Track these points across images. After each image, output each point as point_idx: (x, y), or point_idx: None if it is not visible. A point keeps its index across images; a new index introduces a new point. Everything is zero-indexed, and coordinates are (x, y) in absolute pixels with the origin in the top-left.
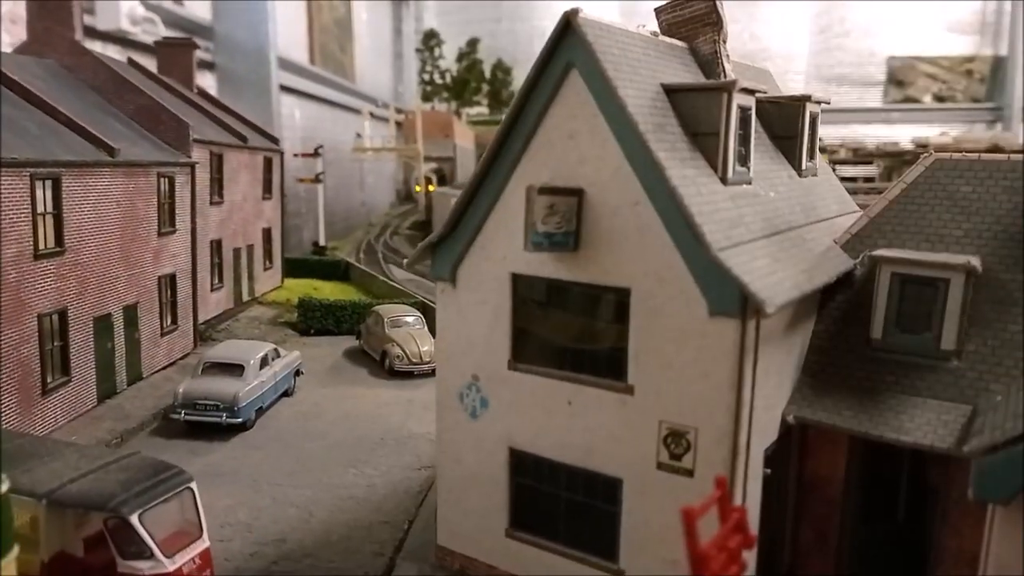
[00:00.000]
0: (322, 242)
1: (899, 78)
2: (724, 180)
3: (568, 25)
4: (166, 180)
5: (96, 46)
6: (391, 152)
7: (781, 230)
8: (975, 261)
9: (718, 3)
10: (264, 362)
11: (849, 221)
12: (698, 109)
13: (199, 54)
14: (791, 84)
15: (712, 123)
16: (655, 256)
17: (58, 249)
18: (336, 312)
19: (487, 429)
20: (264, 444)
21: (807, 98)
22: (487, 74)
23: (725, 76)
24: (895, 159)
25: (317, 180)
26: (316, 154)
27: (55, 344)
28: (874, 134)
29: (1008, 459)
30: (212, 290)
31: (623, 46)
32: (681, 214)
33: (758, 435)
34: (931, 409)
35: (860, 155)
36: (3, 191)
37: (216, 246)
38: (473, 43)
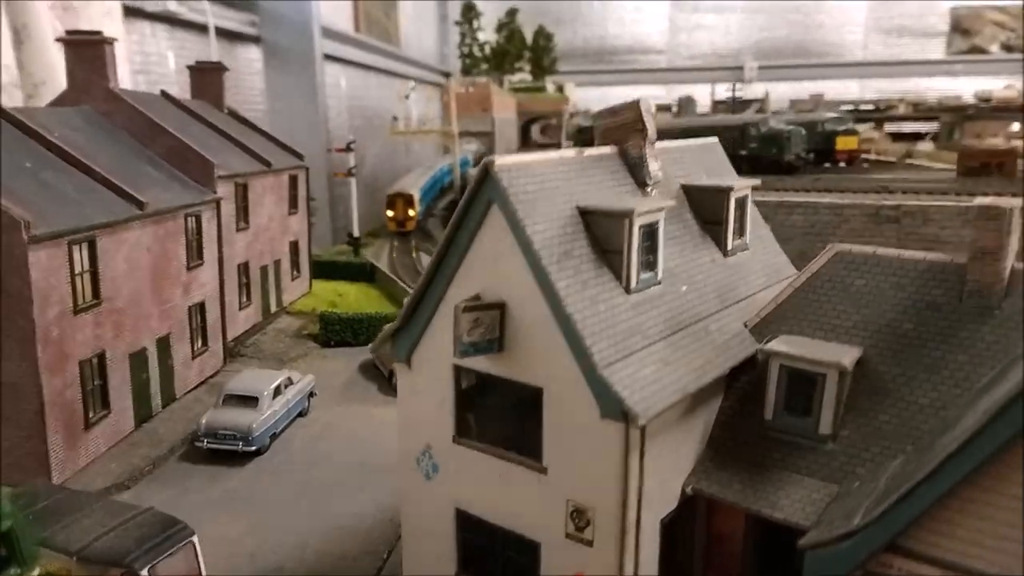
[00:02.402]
0: (356, 233)
1: (964, 27)
2: (628, 290)
3: (487, 171)
4: (193, 219)
5: (144, 27)
6: (427, 134)
7: (685, 325)
8: (848, 360)
9: (644, 112)
10: (278, 391)
11: (775, 291)
12: (605, 229)
13: (245, 28)
14: (848, 37)
15: (617, 242)
16: (560, 365)
17: (95, 301)
18: (354, 325)
19: (438, 490)
20: (276, 469)
21: (730, 188)
22: (528, 40)
23: (650, 177)
24: (957, 114)
25: (350, 174)
26: (348, 149)
27: (95, 383)
28: (936, 87)
29: (832, 554)
30: (240, 308)
31: (541, 179)
32: (576, 335)
33: (651, 510)
34: (805, 487)
35: (921, 110)
36: (44, 261)
37: (244, 268)
38: (512, 13)
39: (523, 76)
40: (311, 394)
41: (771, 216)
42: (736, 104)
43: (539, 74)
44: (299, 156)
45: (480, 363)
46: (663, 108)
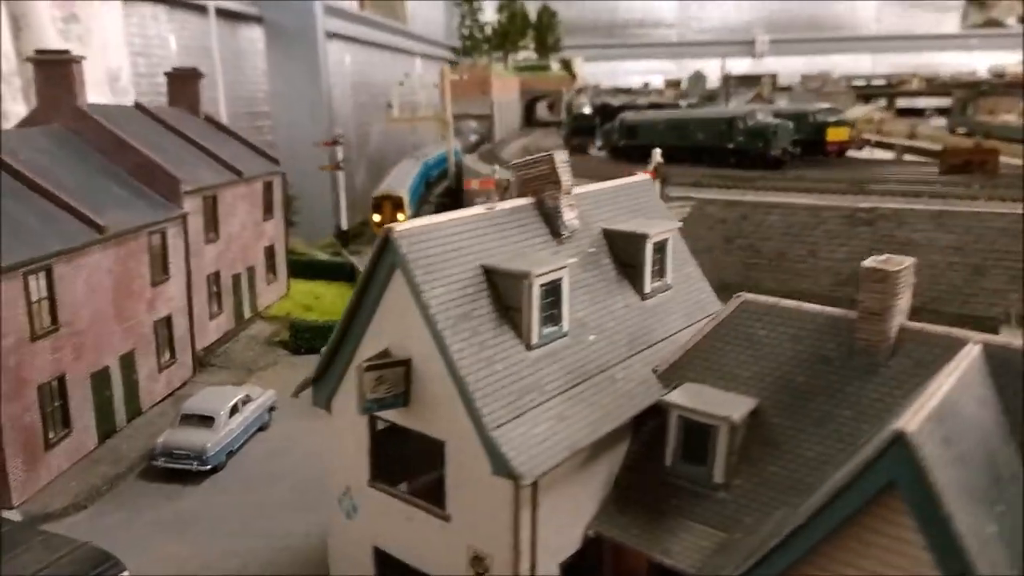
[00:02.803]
0: (344, 226)
1: None
2: (529, 347)
3: (387, 239)
4: (158, 235)
5: (144, 8)
6: (422, 121)
7: (589, 376)
8: (739, 414)
9: (558, 164)
10: (235, 410)
11: (693, 331)
12: (506, 287)
13: (246, 8)
14: (861, 13)
15: (517, 300)
16: (459, 421)
17: (53, 327)
18: (324, 333)
19: (358, 528)
20: (230, 487)
21: (646, 235)
22: (532, 17)
23: (564, 227)
24: (970, 90)
25: (338, 167)
26: (336, 143)
27: (55, 404)
28: (950, 62)
29: None
30: (211, 318)
31: (445, 241)
32: (468, 396)
33: (550, 555)
34: (696, 534)
35: (934, 86)
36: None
37: (214, 278)
38: None
39: (528, 54)
40: (271, 408)
41: (749, 216)
42: (732, 86)
43: (543, 52)
44: (275, 161)
45: (391, 413)
46: (672, 84)
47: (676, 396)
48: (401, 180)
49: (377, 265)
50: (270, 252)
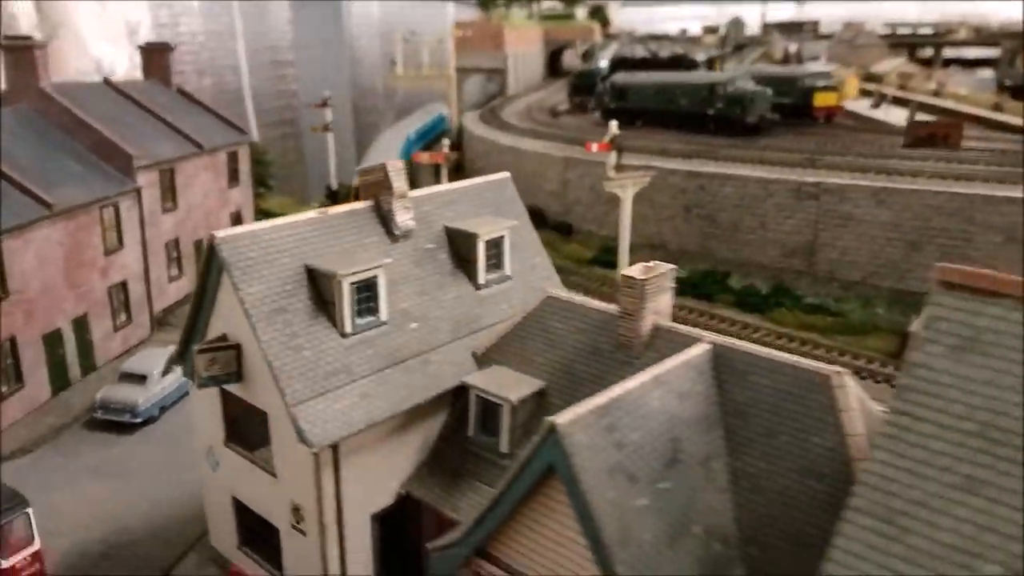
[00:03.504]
0: (334, 187)
1: None
2: (344, 335)
3: (212, 246)
4: (111, 208)
5: None
6: (425, 80)
7: (403, 360)
8: (517, 395)
9: (391, 172)
10: (168, 369)
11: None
12: (323, 285)
13: None
14: None
15: (331, 295)
16: (275, 397)
17: (3, 295)
18: None
19: (221, 480)
20: (159, 439)
21: (477, 234)
22: None
23: (397, 227)
24: (1020, 40)
25: (327, 129)
26: (325, 104)
27: (8, 362)
28: (1001, 10)
29: (442, 558)
30: (170, 281)
31: (267, 245)
32: (276, 378)
33: (358, 508)
34: (482, 494)
35: (982, 36)
36: None
37: (174, 244)
38: None
39: (553, 4)
40: None
41: (706, 187)
42: (737, 43)
43: (570, 0)
44: (242, 131)
45: (232, 386)
46: (710, 30)
47: (474, 378)
48: (390, 149)
49: (209, 266)
50: (236, 218)
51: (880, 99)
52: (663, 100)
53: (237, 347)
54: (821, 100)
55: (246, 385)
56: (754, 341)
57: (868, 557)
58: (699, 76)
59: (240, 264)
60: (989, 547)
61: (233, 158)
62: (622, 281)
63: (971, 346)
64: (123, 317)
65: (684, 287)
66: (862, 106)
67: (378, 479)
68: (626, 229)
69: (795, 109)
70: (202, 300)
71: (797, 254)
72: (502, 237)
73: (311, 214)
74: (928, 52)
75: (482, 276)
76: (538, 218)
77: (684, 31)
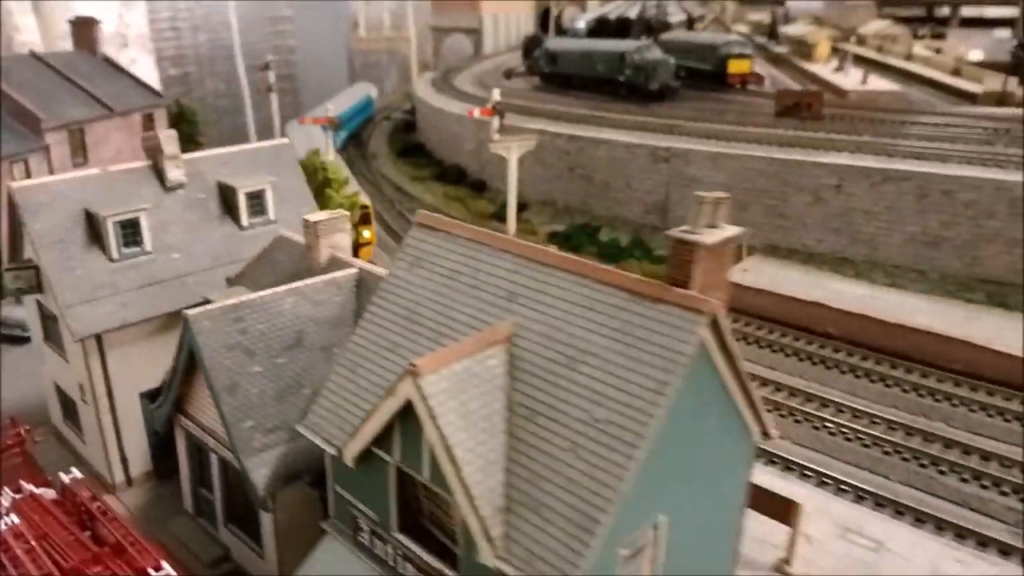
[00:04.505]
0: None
1: None
2: (111, 260)
3: (11, 195)
4: (21, 163)
5: None
6: (387, 41)
7: (162, 280)
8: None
9: (163, 138)
10: None
11: None
12: (96, 223)
13: None
14: None
15: (101, 231)
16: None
17: None
18: None
19: (47, 370)
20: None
21: (236, 188)
22: None
23: (169, 182)
24: None
25: (269, 90)
26: (266, 67)
27: None
28: None
29: (158, 414)
30: None
31: (54, 193)
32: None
33: (128, 387)
34: None
35: None
36: None
37: None
38: None
39: None
40: None
41: (585, 149)
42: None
43: None
44: (158, 94)
45: (43, 297)
46: None
47: (213, 295)
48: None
49: (12, 209)
50: None
51: (842, 62)
52: (585, 66)
53: (36, 267)
54: (735, 67)
55: (46, 296)
56: None
57: (340, 388)
58: (612, 44)
59: (30, 207)
60: (394, 379)
61: (149, 119)
62: (303, 223)
63: (418, 262)
64: None
65: (558, 239)
66: (827, 70)
67: (145, 367)
68: (513, 187)
69: (712, 75)
70: (13, 233)
71: (654, 211)
72: (263, 190)
73: (95, 170)
74: (945, 12)
75: (245, 220)
76: (459, 175)
77: None
